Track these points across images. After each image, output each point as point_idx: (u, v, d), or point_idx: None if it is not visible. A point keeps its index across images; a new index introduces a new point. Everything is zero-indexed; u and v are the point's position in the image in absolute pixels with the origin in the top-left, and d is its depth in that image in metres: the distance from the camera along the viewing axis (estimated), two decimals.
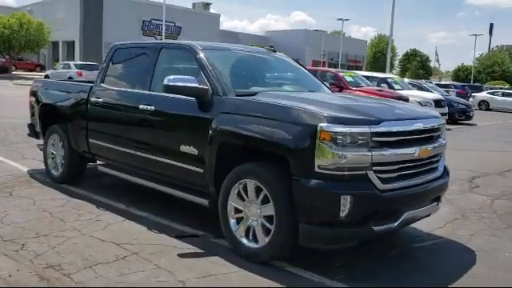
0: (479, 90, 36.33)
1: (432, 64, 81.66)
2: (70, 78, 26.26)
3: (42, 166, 7.14)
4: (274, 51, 5.62)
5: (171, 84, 4.30)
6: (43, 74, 37.76)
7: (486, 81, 65.92)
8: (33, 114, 6.88)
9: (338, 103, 4.14)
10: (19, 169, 7.08)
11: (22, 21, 37.07)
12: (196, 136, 4.36)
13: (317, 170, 3.46)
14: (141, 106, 4.91)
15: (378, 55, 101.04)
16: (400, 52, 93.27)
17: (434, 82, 32.67)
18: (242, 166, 3.96)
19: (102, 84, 5.61)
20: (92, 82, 6.06)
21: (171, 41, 5.02)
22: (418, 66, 78.16)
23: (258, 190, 3.84)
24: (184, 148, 4.44)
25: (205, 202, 4.36)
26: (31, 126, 6.97)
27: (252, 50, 5.48)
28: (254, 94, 4.37)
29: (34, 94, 6.77)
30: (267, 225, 3.80)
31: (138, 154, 5.00)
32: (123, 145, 5.21)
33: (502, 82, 62.78)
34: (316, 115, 3.56)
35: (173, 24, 52.12)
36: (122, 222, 4.89)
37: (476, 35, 64.32)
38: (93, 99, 5.59)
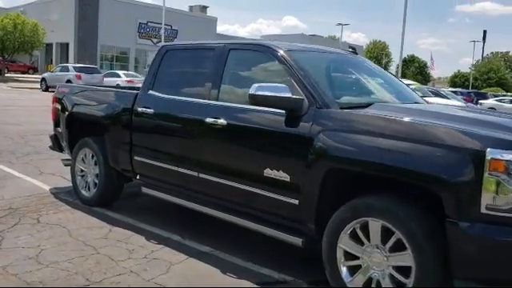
0: (484, 97, 35.90)
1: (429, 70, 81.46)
2: (69, 81, 25.24)
3: (64, 183, 6.28)
4: (356, 53, 4.77)
5: (259, 94, 3.44)
6: (39, 76, 36.63)
7: (482, 87, 65.68)
8: (57, 124, 5.97)
9: (489, 120, 3.29)
10: (39, 187, 6.16)
11: (16, 21, 35.91)
12: (288, 158, 3.50)
13: (483, 211, 2.62)
14: (207, 120, 4.04)
15: (373, 61, 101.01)
16: (395, 57, 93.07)
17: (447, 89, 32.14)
18: (363, 199, 3.10)
19: (151, 91, 4.72)
20: (131, 89, 5.18)
21: (241, 41, 4.13)
22: (416, 72, 77.91)
23: (385, 233, 2.99)
24: (270, 172, 3.57)
25: (297, 240, 3.49)
26: (54, 138, 6.05)
27: (336, 51, 4.63)
28: (364, 105, 3.53)
29: (58, 101, 5.86)
30: (400, 278, 2.94)
31: (202, 176, 4.12)
32: (180, 165, 4.33)
33: (497, 88, 62.56)
34: (479, 138, 2.72)
35: (169, 27, 51.08)
36: (184, 260, 4.01)
37: (475, 41, 64.11)
38: (140, 109, 4.70)
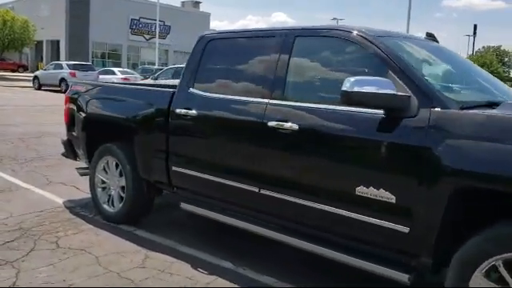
0: None
1: None
2: (63, 80, 24.33)
3: (78, 194, 5.52)
4: (437, 41, 4.00)
5: (356, 91, 2.68)
6: (30, 74, 35.61)
7: None
8: (71, 128, 5.16)
9: None
10: (51, 200, 5.35)
11: (5, 18, 34.75)
12: (392, 174, 2.75)
13: None
14: (270, 124, 3.28)
15: None
16: None
17: None
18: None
19: (192, 90, 3.94)
20: (160, 86, 4.39)
21: (310, 26, 3.31)
22: None
23: None
24: (364, 191, 2.82)
25: (403, 277, 2.74)
26: (68, 144, 5.23)
27: (419, 38, 3.87)
28: (488, 105, 2.78)
29: (73, 101, 5.05)
30: None
31: (265, 193, 3.36)
32: (234, 178, 3.56)
33: None
34: None
35: (162, 23, 50.01)
36: None
37: (469, 36, 63.62)
38: (178, 110, 3.92)
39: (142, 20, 51.19)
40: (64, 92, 24.32)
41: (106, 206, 4.72)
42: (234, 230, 3.76)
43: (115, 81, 27.09)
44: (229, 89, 3.78)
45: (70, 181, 6.16)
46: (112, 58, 50.51)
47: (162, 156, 4.09)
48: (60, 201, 5.31)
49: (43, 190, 5.73)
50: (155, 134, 4.14)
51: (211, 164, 3.74)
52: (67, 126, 5.23)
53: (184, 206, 4.06)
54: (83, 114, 4.84)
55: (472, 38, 69.19)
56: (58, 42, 47.88)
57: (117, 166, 4.59)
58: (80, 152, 5.10)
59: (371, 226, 2.82)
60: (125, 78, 27.09)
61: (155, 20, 48.27)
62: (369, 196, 2.80)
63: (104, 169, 4.75)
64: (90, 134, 4.84)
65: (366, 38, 3.07)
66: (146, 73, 30.06)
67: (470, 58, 77.42)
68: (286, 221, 3.33)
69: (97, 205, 4.82)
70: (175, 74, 16.31)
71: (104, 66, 41.44)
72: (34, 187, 5.81)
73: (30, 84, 27.99)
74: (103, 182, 4.78)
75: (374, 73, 2.91)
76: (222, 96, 3.74)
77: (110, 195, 4.72)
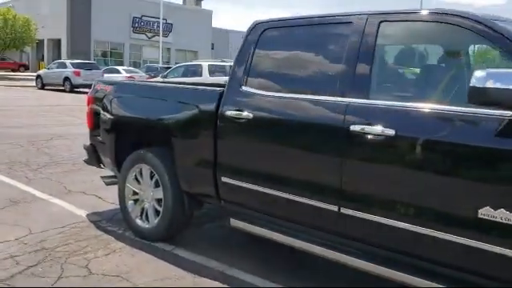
0: None
1: None
2: (67, 79, 23.73)
3: (102, 205, 4.99)
4: None
5: (492, 88, 2.10)
6: (31, 74, 35.08)
7: None
8: (96, 132, 4.58)
9: None
10: (72, 212, 4.77)
11: (6, 17, 34.12)
12: None
13: None
14: (354, 128, 2.69)
15: None
16: None
17: None
18: None
19: (244, 88, 3.35)
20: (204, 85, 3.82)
21: (399, 10, 2.71)
22: None
23: None
24: (491, 214, 2.24)
25: None
26: (92, 150, 4.65)
27: None
28: None
29: (98, 101, 4.47)
30: None
31: (348, 213, 2.77)
32: (303, 194, 2.98)
33: None
34: None
35: (164, 20, 49.34)
36: None
37: None
38: (229, 112, 3.33)
39: (143, 18, 50.52)
40: (69, 91, 23.79)
41: (138, 221, 4.14)
42: (285, 249, 3.19)
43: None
44: (292, 86, 3.20)
45: (91, 189, 5.59)
46: (114, 56, 49.85)
47: (209, 165, 3.50)
48: (83, 213, 4.73)
49: (62, 200, 5.15)
50: (200, 140, 3.56)
51: (273, 176, 3.15)
52: (91, 130, 4.64)
53: (235, 222, 3.48)
54: (111, 117, 4.26)
55: None
56: (59, 40, 47.17)
57: (151, 175, 4.02)
58: (106, 159, 4.52)
59: (499, 257, 2.24)
60: (130, 77, 26.49)
61: (157, 18, 47.69)
62: (498, 220, 2.22)
63: (136, 178, 4.17)
64: (120, 139, 4.27)
65: (483, 23, 2.47)
66: (150, 71, 29.45)
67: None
68: (375, 246, 2.75)
69: (127, 219, 4.24)
70: (186, 72, 15.71)
71: (106, 64, 40.80)
72: (52, 197, 5.23)
73: (33, 83, 27.38)
74: (135, 194, 4.20)
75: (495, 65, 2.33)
76: (284, 95, 3.15)
77: (143, 208, 4.14)
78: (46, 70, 26.31)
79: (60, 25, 45.34)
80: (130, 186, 4.21)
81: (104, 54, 49.03)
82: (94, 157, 4.64)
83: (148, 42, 51.68)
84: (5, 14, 34.18)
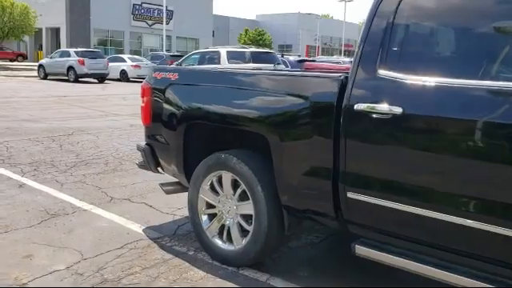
0: None
1: None
2: (71, 68, 22.80)
3: (155, 216, 4.24)
4: None
5: None
6: (30, 64, 34.14)
7: None
8: (154, 130, 3.74)
9: None
10: (124, 227, 3.96)
11: (4, 4, 32.95)
12: None
13: None
14: None
15: None
16: None
17: None
18: None
19: (382, 72, 2.51)
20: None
21: None
22: None
23: None
24: None
25: None
26: (149, 151, 3.81)
27: None
28: None
29: (159, 93, 3.63)
30: None
31: None
32: (477, 215, 2.17)
33: None
34: None
35: (165, 7, 48.15)
36: None
37: None
38: (360, 106, 2.51)
39: (144, 5, 49.29)
40: (74, 81, 22.77)
41: (217, 241, 3.33)
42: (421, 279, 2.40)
43: (126, 69, 25.59)
44: (463, 70, 2.35)
45: (136, 195, 4.79)
46: (114, 45, 48.64)
47: (326, 175, 2.68)
48: (137, 228, 3.92)
49: (108, 210, 4.33)
50: (313, 142, 2.73)
51: (434, 193, 2.33)
52: (148, 128, 3.81)
53: (362, 251, 2.66)
54: (179, 111, 3.43)
55: None
56: (57, 29, 45.94)
57: (235, 185, 3.20)
58: (168, 163, 3.69)
59: None
60: (135, 66, 25.60)
61: (157, 5, 46.46)
62: None
63: (212, 188, 3.35)
64: (191, 139, 3.44)
65: None
66: (156, 60, 28.46)
67: None
68: None
69: (201, 238, 3.43)
70: (202, 59, 14.81)
71: (106, 53, 39.51)
72: (95, 207, 4.41)
73: (34, 73, 26.38)
74: (211, 207, 3.39)
75: None
76: (454, 82, 2.31)
77: (223, 226, 3.32)
78: (48, 60, 25.27)
79: (59, 13, 44.07)
80: (205, 197, 3.39)
81: (104, 43, 47.80)
82: (151, 160, 3.80)
83: (149, 30, 50.55)
84: (2, 1, 32.99)
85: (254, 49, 14.91)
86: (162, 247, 3.56)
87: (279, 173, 2.90)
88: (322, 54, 63.40)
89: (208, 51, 15.30)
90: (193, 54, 15.64)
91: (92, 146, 7.16)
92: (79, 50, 24.04)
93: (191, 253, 3.46)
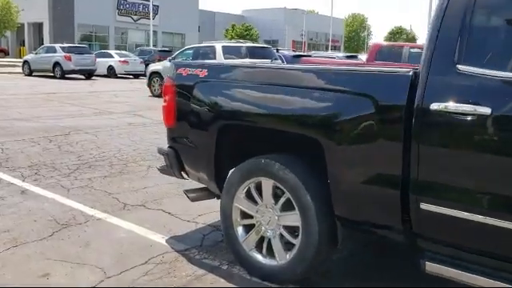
0: None
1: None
2: (57, 64, 22.18)
3: (176, 225, 3.92)
4: None
5: None
6: (13, 60, 33.31)
7: None
8: (179, 131, 3.40)
9: None
10: (146, 238, 3.62)
11: None
12: None
13: None
14: None
15: (353, 34, 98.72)
16: (374, 31, 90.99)
17: None
18: None
19: (462, 67, 2.21)
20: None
21: None
22: None
23: None
24: None
25: None
26: (172, 155, 3.45)
27: None
28: None
29: (186, 91, 3.28)
30: None
31: None
32: None
33: None
34: None
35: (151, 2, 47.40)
36: None
37: None
38: (438, 106, 2.20)
39: (129, 0, 48.50)
40: (60, 77, 22.09)
41: (256, 255, 3.01)
42: None
43: (113, 65, 24.99)
44: None
45: (150, 201, 4.45)
46: (98, 40, 47.76)
47: (394, 183, 2.38)
48: (160, 239, 3.58)
49: (123, 219, 3.98)
50: (377, 146, 2.42)
51: None
52: (171, 130, 3.46)
53: (434, 268, 2.36)
54: (212, 112, 3.09)
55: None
56: (40, 24, 44.94)
57: (277, 193, 2.88)
58: (195, 168, 3.35)
59: None
60: (123, 61, 25.04)
61: (143, 0, 45.76)
62: None
63: (249, 196, 3.02)
64: (224, 142, 3.10)
65: None
66: (144, 55, 27.93)
67: None
68: None
69: (236, 251, 3.11)
70: (196, 54, 14.39)
71: (91, 49, 38.72)
72: (109, 215, 4.05)
73: (18, 70, 25.65)
74: (247, 217, 3.06)
75: None
76: None
77: (262, 238, 3.00)
78: (33, 56, 24.55)
79: (41, 8, 43.12)
80: (240, 206, 3.06)
81: (88, 38, 46.89)
82: (175, 164, 3.45)
83: (134, 25, 49.80)
84: None
85: (250, 44, 14.52)
86: (191, 261, 3.22)
87: (334, 180, 2.58)
88: (308, 50, 63.17)
89: (202, 46, 14.88)
90: (186, 49, 15.19)
91: (93, 147, 6.76)
92: (65, 45, 23.39)
93: (225, 267, 3.14)
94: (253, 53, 13.25)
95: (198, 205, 4.05)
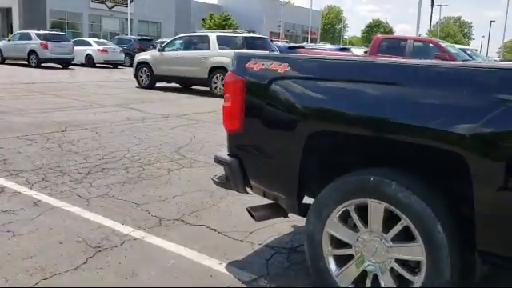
0: None
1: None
2: (33, 52, 21.05)
3: (231, 246, 3.34)
4: None
5: None
6: None
7: None
8: (246, 138, 2.81)
9: None
10: (203, 266, 3.03)
11: None
12: None
13: None
14: None
15: (328, 26, 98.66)
16: (350, 23, 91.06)
17: None
18: None
19: None
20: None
21: None
22: None
23: None
24: None
25: None
26: (236, 165, 2.85)
27: None
28: None
29: (257, 89, 2.70)
30: None
31: None
32: None
33: None
34: None
35: None
36: None
37: (440, 6, 62.57)
38: None
39: None
40: (36, 66, 20.90)
41: None
42: None
43: (91, 53, 23.91)
44: None
45: (186, 213, 3.88)
46: (71, 28, 45.97)
47: None
48: (217, 265, 3.00)
49: (165, 239, 3.37)
50: None
51: None
52: (235, 135, 2.86)
53: None
54: (298, 116, 2.52)
55: (415, 10, 68.47)
56: (8, 9, 42.91)
57: (387, 218, 2.32)
58: (269, 183, 2.78)
59: None
60: (102, 50, 24.01)
61: None
62: None
63: (344, 220, 2.47)
64: (313, 153, 2.53)
65: None
66: (122, 44, 26.92)
67: (433, 29, 76.85)
68: None
69: (328, 284, 2.54)
70: (188, 44, 13.66)
71: None
72: (147, 234, 3.44)
73: None
74: (343, 245, 2.50)
75: None
76: None
77: (364, 272, 2.45)
78: (6, 42, 23.24)
79: None
80: (333, 231, 2.50)
81: (60, 25, 45.05)
82: (239, 177, 2.86)
83: (108, 13, 48.21)
84: None
85: (247, 34, 13.85)
86: None
87: (484, 208, 2.05)
88: (286, 41, 62.63)
89: (194, 35, 14.14)
90: (176, 38, 14.41)
91: (97, 146, 6.07)
92: (42, 32, 22.17)
93: None
94: (250, 44, 12.62)
95: (240, 219, 3.52)
